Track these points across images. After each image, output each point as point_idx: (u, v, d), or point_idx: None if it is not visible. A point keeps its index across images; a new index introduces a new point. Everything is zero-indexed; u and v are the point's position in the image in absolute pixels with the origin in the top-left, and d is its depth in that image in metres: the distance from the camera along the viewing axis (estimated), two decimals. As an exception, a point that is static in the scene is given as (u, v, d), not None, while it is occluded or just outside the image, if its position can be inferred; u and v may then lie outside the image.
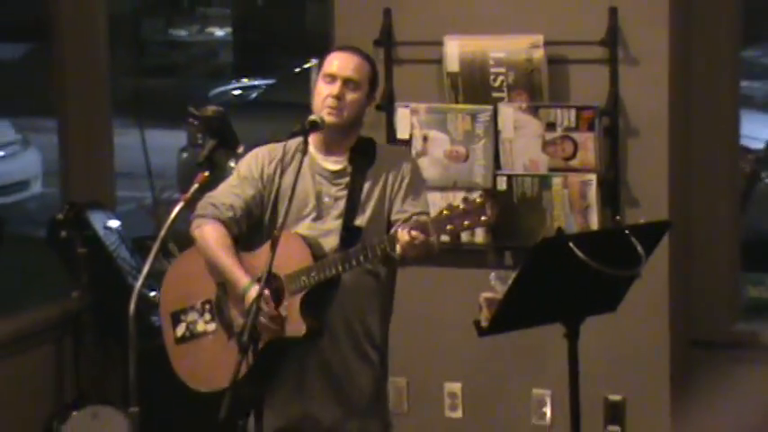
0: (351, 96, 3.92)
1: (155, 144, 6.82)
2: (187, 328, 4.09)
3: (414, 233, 3.64)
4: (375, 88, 4.03)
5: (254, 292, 3.79)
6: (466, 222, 3.64)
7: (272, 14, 13.60)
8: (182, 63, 14.87)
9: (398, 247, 3.68)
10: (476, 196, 3.70)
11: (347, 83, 3.92)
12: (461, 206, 3.65)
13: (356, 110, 3.95)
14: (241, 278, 3.89)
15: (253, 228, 4.03)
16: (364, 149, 4.02)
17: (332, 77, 3.92)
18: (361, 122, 4.01)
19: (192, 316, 4.08)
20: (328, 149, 3.98)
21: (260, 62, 12.55)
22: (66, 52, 5.70)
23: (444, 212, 3.66)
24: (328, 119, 3.89)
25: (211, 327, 4.04)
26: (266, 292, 3.75)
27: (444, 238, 3.81)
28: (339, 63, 3.95)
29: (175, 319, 4.10)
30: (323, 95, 3.92)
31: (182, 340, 4.09)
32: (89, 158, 5.74)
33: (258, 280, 3.79)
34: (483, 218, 3.64)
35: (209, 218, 3.99)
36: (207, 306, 4.05)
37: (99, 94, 5.77)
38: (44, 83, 6.38)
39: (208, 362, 3.99)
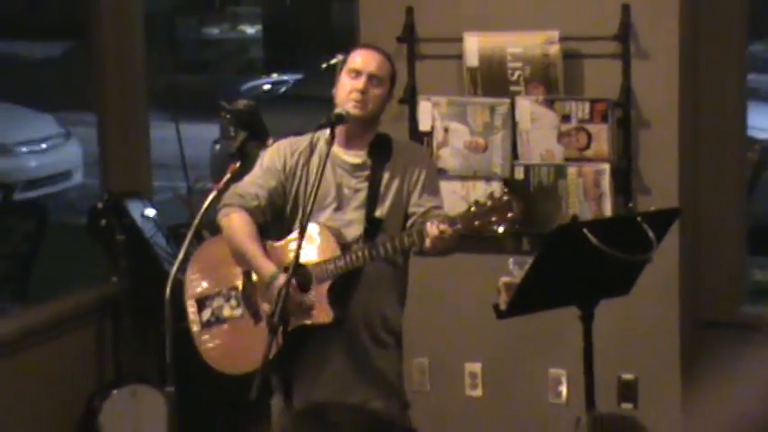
0: (374, 91, 3.99)
1: (189, 136, 6.81)
2: (212, 313, 4.13)
3: (443, 227, 3.70)
4: (394, 85, 4.09)
5: (281, 279, 3.84)
6: (493, 218, 3.71)
7: (301, 12, 13.60)
8: (214, 59, 14.89)
9: (428, 241, 3.73)
10: (501, 194, 3.75)
11: (371, 78, 3.98)
12: (488, 203, 3.72)
13: (379, 105, 4.02)
14: (265, 266, 3.94)
15: (276, 218, 4.09)
16: (382, 144, 4.07)
17: (357, 72, 3.98)
18: (380, 118, 4.07)
19: (218, 301, 4.13)
20: (349, 143, 4.04)
21: (289, 58, 12.56)
22: (104, 50, 5.72)
23: (472, 209, 3.72)
24: (353, 111, 3.94)
25: (237, 312, 4.08)
26: (293, 281, 3.80)
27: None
28: (364, 59, 4.01)
29: (201, 304, 4.15)
30: (347, 89, 3.97)
31: (207, 325, 4.13)
32: (127, 150, 5.77)
33: (285, 269, 3.83)
34: (510, 214, 3.71)
35: (235, 206, 4.03)
36: (233, 292, 4.10)
37: (136, 89, 5.79)
38: (84, 79, 6.49)
39: (235, 346, 4.05)
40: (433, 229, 3.71)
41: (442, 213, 3.89)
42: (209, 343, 4.14)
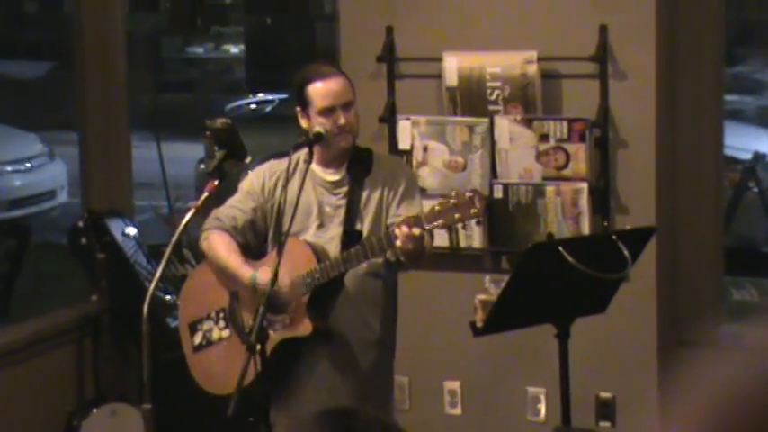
0: (351, 115, 4.03)
1: (174, 156, 6.83)
2: (204, 336, 4.17)
3: (409, 225, 3.75)
4: (355, 92, 4.10)
5: (264, 274, 3.88)
6: (457, 215, 3.77)
7: (284, 32, 13.66)
8: (198, 79, 14.93)
9: (398, 242, 3.77)
10: (464, 191, 3.83)
11: (345, 107, 4.01)
12: (452, 201, 3.78)
13: (358, 123, 4.07)
14: (244, 271, 4.00)
15: (259, 241, 4.13)
16: (361, 159, 4.10)
17: (331, 110, 3.98)
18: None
19: (207, 324, 4.17)
20: (327, 161, 4.08)
21: (272, 78, 12.62)
22: (86, 69, 5.71)
23: (436, 207, 3.78)
24: (347, 145, 4.00)
25: (226, 333, 4.13)
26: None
27: (439, 232, 3.96)
28: (333, 95, 4.00)
29: (192, 329, 4.20)
30: (328, 127, 3.98)
31: (199, 348, 4.18)
32: (108, 169, 5.76)
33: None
34: (472, 210, 3.77)
35: (213, 230, 4.11)
36: (221, 314, 4.14)
37: (118, 108, 5.78)
38: (68, 99, 6.48)
39: (223, 366, 4.09)
40: (401, 228, 3.76)
41: (409, 215, 3.91)
42: (201, 367, 4.19)
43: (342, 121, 3.99)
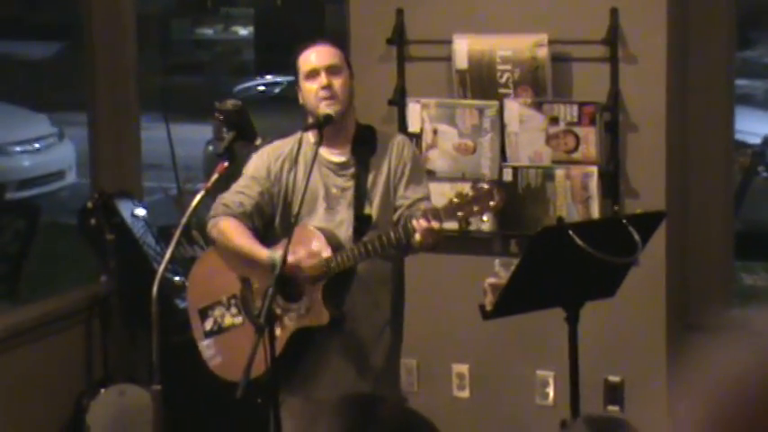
0: (338, 81, 3.98)
1: (182, 137, 6.82)
2: (215, 322, 4.16)
3: (428, 218, 3.73)
4: (350, 66, 4.09)
5: (280, 251, 3.83)
6: (476, 208, 3.75)
7: (293, 14, 13.64)
8: (207, 61, 14.93)
9: (418, 235, 3.75)
10: (483, 183, 3.81)
11: (329, 70, 3.98)
12: (470, 193, 3.76)
13: (347, 92, 4.01)
14: (260, 252, 3.97)
15: (267, 226, 4.11)
16: (365, 138, 4.09)
17: (314, 72, 3.97)
18: (353, 105, 4.06)
19: (218, 310, 4.16)
20: (331, 141, 4.04)
21: (281, 59, 12.65)
22: (96, 51, 5.71)
23: (455, 200, 3.76)
24: (329, 111, 3.93)
25: (238, 320, 4.12)
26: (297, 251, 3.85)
27: (453, 224, 3.91)
28: (315, 57, 4.00)
29: (203, 314, 4.19)
30: (313, 92, 3.97)
31: (210, 334, 4.17)
32: (118, 150, 5.76)
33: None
34: (491, 203, 3.74)
35: (221, 216, 4.08)
36: (233, 300, 4.13)
37: (127, 90, 5.79)
38: (77, 79, 6.48)
39: (237, 353, 4.01)
40: (421, 223, 3.73)
41: (427, 207, 3.91)
42: (213, 353, 4.18)
43: (324, 81, 3.95)
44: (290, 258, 3.87)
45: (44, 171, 10.56)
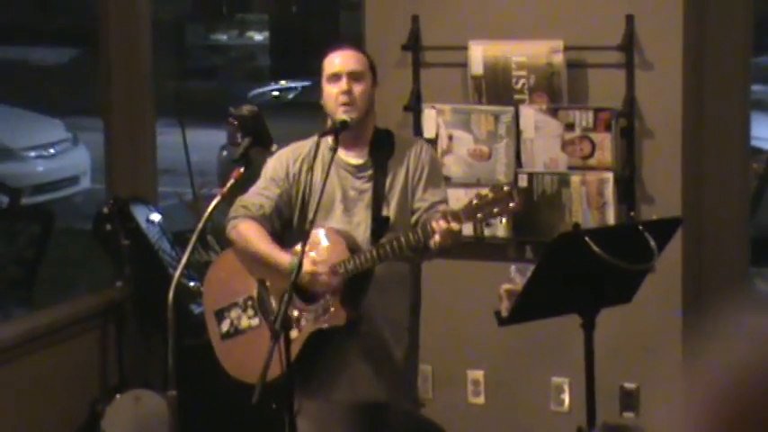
0: (358, 88, 3.99)
1: (197, 143, 6.84)
2: (231, 324, 4.16)
3: (447, 220, 3.71)
4: (375, 73, 4.09)
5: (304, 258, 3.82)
6: (495, 209, 3.74)
7: (308, 20, 13.67)
8: (222, 66, 14.97)
9: (437, 236, 3.72)
10: (503, 185, 3.81)
11: (351, 75, 3.99)
12: (490, 195, 3.75)
13: (367, 99, 4.02)
14: (282, 258, 3.97)
15: (284, 227, 4.12)
16: (383, 142, 4.09)
17: (336, 76, 3.98)
18: (373, 111, 4.06)
19: (235, 312, 4.16)
20: (349, 144, 4.05)
21: (296, 65, 12.65)
22: (112, 56, 5.73)
23: (474, 202, 3.75)
24: (345, 117, 3.94)
25: (255, 321, 4.11)
26: (315, 254, 3.86)
27: (469, 227, 3.95)
28: (339, 60, 4.01)
29: (219, 316, 4.19)
30: (333, 96, 3.98)
31: (227, 336, 4.17)
32: (133, 156, 5.77)
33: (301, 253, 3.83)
34: (511, 204, 3.73)
35: (240, 217, 4.08)
36: (249, 302, 4.12)
37: (142, 95, 5.80)
38: (92, 85, 6.50)
39: (254, 355, 4.00)
40: (440, 224, 3.72)
41: (447, 209, 3.90)
42: (230, 355, 4.18)
43: (344, 86, 3.96)
44: (307, 267, 3.86)
45: (59, 176, 10.60)
